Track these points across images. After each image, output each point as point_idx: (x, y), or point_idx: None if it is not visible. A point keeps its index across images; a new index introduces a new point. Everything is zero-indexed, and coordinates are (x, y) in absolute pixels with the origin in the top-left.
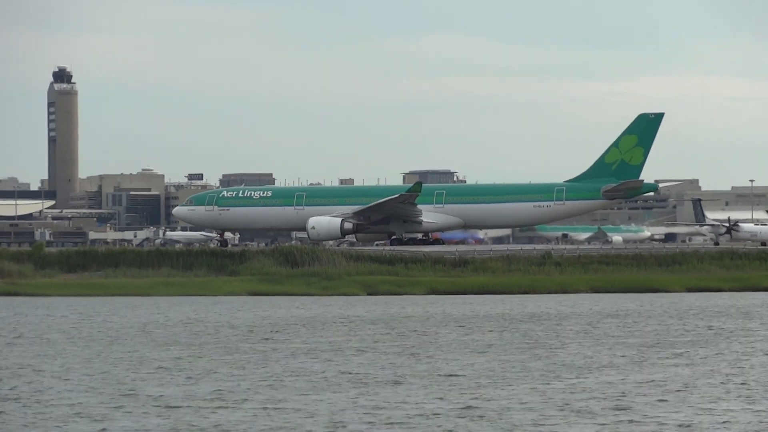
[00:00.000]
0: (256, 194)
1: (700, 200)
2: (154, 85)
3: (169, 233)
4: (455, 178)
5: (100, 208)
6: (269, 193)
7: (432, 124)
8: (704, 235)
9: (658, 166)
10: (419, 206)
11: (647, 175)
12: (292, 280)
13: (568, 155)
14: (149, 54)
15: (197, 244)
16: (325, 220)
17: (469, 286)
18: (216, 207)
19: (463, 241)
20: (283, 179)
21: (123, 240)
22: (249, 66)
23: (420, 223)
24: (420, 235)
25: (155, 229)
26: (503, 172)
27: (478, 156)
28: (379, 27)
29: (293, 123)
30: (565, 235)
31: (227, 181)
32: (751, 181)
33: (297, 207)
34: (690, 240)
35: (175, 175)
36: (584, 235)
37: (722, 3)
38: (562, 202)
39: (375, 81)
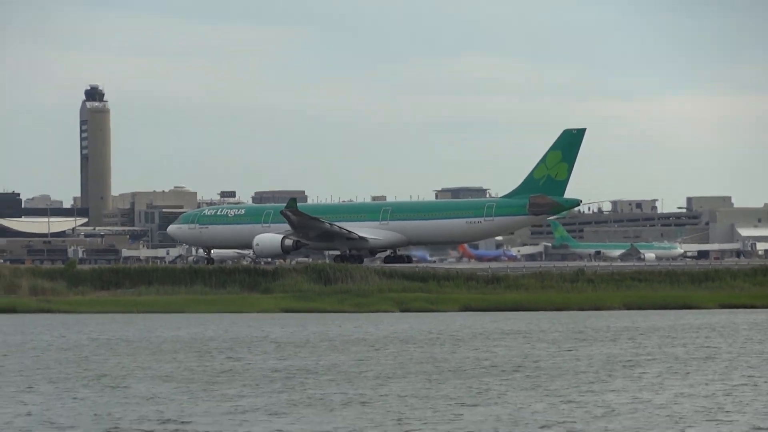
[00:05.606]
0: (231, 212)
1: None
2: (187, 103)
3: (201, 250)
4: (487, 195)
5: (133, 226)
6: (242, 211)
7: (465, 142)
8: None
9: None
10: (368, 223)
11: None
12: (325, 297)
13: (601, 172)
14: (181, 72)
15: (230, 262)
16: (267, 237)
17: (502, 302)
18: (197, 225)
19: (496, 258)
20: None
21: (156, 257)
22: (282, 84)
23: (365, 239)
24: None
25: (188, 246)
26: None
27: (510, 173)
28: (411, 47)
29: (327, 141)
30: (598, 252)
31: (260, 198)
32: None
33: (264, 224)
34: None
35: (207, 192)
36: (617, 252)
37: None
38: (491, 218)
39: (407, 99)
